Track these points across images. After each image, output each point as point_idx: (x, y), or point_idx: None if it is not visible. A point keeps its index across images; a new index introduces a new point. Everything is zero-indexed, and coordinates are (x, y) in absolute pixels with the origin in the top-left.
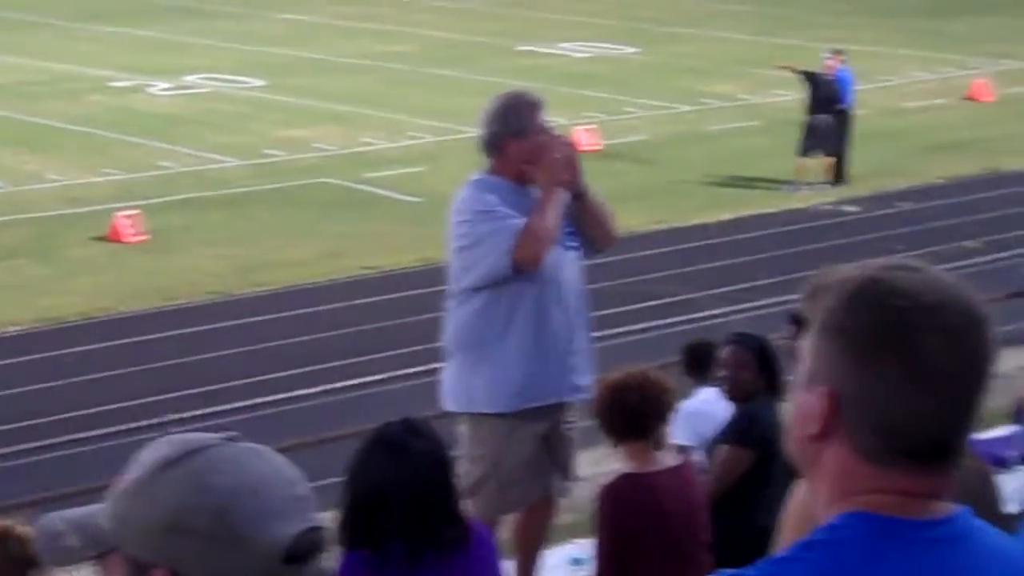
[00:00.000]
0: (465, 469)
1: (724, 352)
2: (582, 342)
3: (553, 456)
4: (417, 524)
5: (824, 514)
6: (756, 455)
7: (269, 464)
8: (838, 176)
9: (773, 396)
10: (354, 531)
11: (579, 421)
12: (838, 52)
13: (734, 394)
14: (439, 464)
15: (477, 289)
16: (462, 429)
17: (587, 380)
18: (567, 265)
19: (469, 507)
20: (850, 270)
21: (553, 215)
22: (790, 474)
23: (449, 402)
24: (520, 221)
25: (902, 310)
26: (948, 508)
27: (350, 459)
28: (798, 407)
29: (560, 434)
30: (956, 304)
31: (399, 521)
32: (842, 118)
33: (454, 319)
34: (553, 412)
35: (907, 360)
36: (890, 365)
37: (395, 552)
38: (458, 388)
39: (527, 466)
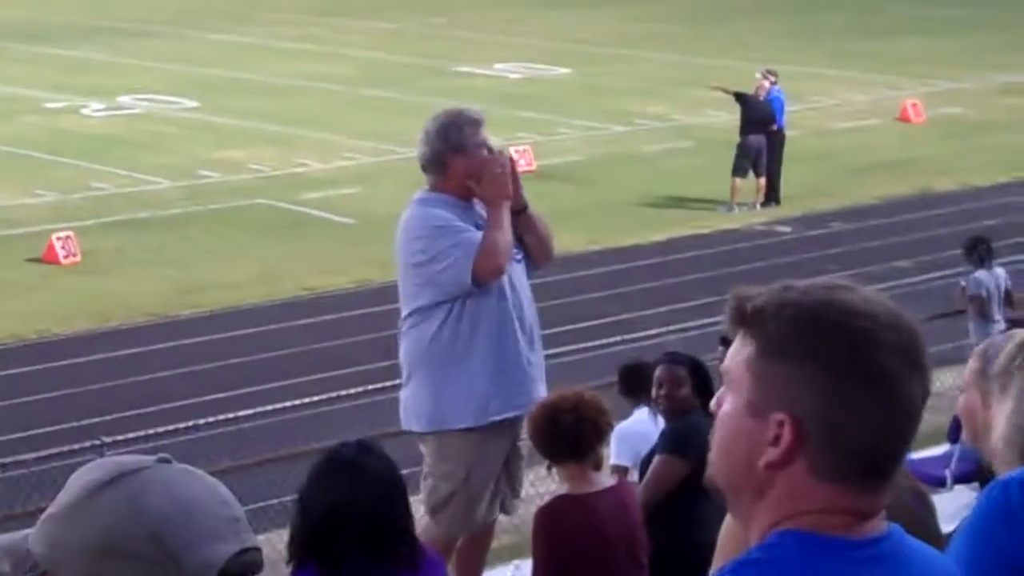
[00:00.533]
0: (430, 487)
1: (659, 371)
2: (538, 353)
3: (507, 472)
4: (373, 543)
5: (758, 534)
6: (691, 466)
7: (203, 485)
8: (771, 197)
9: (707, 413)
10: (307, 550)
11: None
12: (770, 73)
13: (670, 412)
14: (394, 484)
15: (437, 304)
16: (427, 448)
17: (544, 391)
18: (518, 277)
19: (431, 527)
20: (784, 293)
21: (507, 227)
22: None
23: (413, 421)
24: (476, 234)
25: (866, 331)
26: (883, 526)
27: (304, 479)
28: (739, 436)
29: (516, 450)
30: (904, 322)
31: (355, 540)
32: (775, 139)
33: (411, 338)
34: (513, 426)
35: (874, 379)
36: (859, 385)
37: (349, 570)
38: (423, 406)
39: (493, 481)
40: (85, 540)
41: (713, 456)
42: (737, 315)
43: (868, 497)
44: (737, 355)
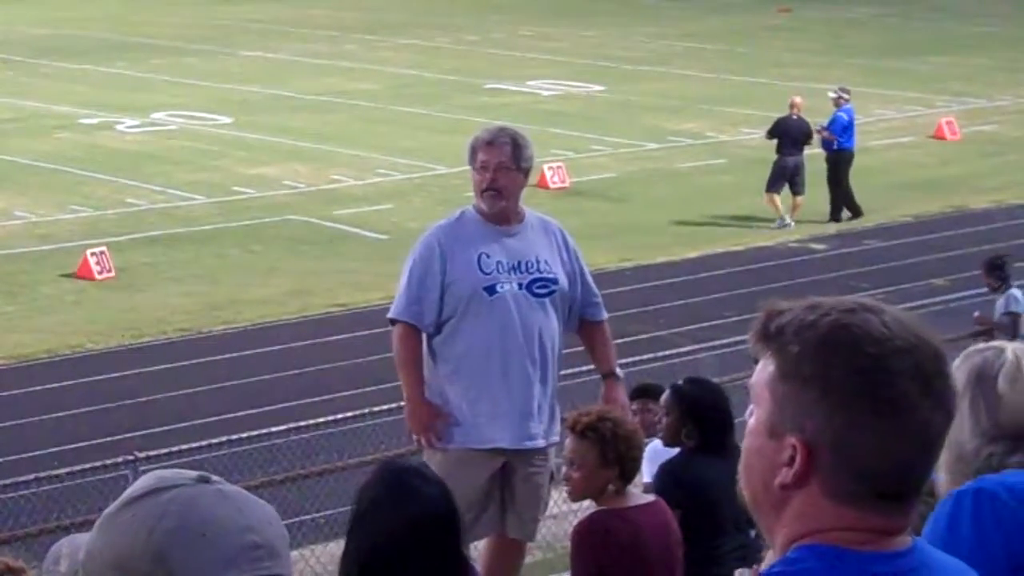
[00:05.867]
0: None
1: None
2: (548, 394)
3: (512, 498)
4: (429, 572)
5: (780, 550)
6: (681, 512)
7: (230, 508)
8: (854, 212)
9: (710, 451)
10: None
11: (548, 464)
12: (843, 90)
13: (663, 439)
14: (448, 509)
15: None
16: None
17: (540, 429)
18: (542, 317)
19: None
20: (806, 313)
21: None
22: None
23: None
24: (420, 295)
25: (878, 357)
26: (907, 540)
27: (358, 505)
28: (759, 455)
29: (527, 477)
30: (924, 346)
31: (411, 569)
32: (840, 156)
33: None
34: (506, 455)
35: (885, 406)
36: (869, 411)
37: None
38: None
39: (476, 504)
40: (106, 553)
41: (739, 470)
42: (761, 333)
43: (889, 518)
44: (760, 373)
